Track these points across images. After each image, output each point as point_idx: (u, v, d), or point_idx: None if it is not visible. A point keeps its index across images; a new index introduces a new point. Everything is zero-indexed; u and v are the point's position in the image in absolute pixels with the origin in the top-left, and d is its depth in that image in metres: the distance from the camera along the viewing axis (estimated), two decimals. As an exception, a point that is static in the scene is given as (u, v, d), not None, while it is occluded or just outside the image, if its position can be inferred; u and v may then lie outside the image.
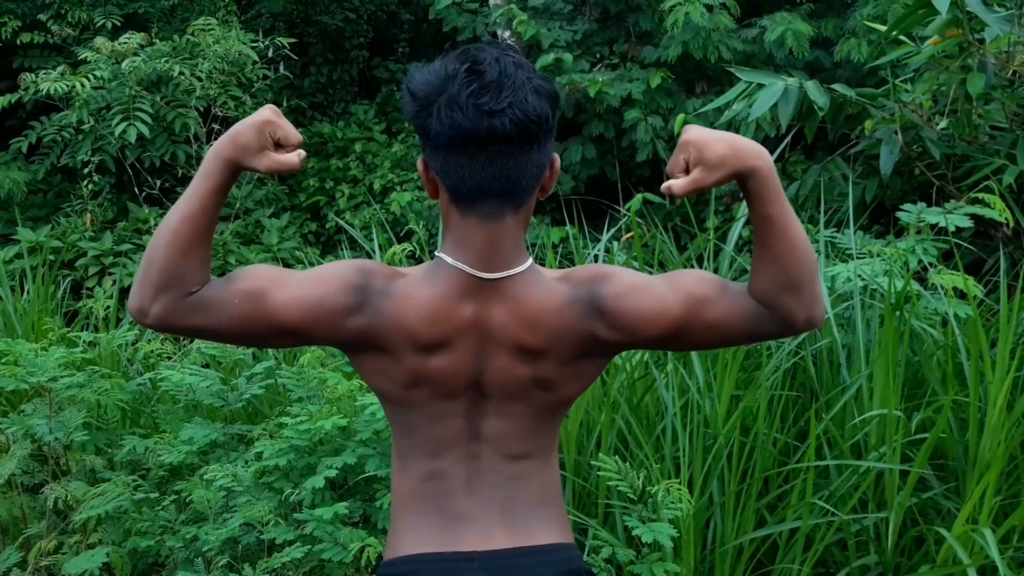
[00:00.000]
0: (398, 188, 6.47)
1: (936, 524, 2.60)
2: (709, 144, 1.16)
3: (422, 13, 7.60)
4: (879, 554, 2.58)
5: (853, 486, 2.59)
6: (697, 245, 3.59)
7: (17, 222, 5.70)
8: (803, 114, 3.90)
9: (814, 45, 6.28)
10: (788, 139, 4.12)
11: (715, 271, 3.18)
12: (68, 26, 6.39)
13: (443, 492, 1.25)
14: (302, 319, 1.19)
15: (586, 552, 2.40)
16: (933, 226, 3.35)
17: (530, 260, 1.22)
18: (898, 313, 2.82)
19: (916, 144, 3.91)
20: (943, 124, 3.78)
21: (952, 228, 3.28)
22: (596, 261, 3.52)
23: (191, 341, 3.49)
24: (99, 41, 5.74)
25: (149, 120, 5.58)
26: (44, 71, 5.69)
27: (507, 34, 6.54)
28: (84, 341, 3.25)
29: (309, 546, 2.36)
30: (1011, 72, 3.67)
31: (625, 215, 3.98)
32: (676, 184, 1.18)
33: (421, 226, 4.65)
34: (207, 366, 3.29)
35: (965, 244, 3.57)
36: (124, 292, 5.10)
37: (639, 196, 4.09)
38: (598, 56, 6.83)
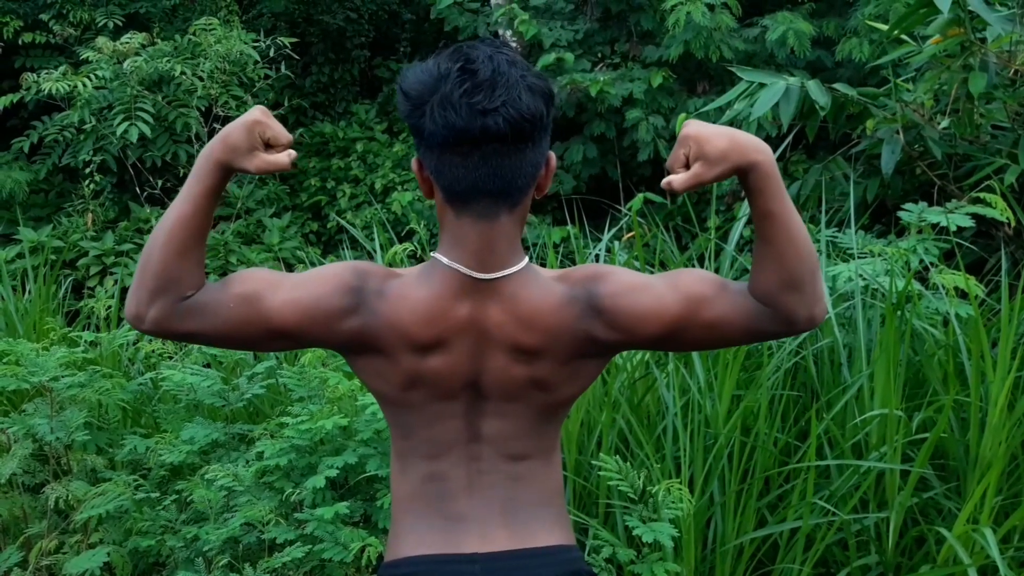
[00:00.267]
0: (399, 188, 6.48)
1: (937, 524, 2.59)
2: (710, 139, 1.15)
3: (423, 13, 7.61)
4: (880, 554, 2.58)
5: (854, 486, 2.59)
6: (698, 245, 3.59)
7: (19, 222, 5.71)
8: (804, 113, 3.90)
9: (815, 44, 6.28)
10: (789, 139, 4.12)
11: (716, 271, 3.18)
12: (70, 26, 6.40)
13: (443, 493, 1.24)
14: (297, 321, 1.19)
15: (587, 552, 2.40)
16: (934, 226, 3.35)
17: (526, 259, 1.21)
18: (899, 313, 2.81)
19: (917, 143, 3.91)
20: (945, 123, 3.77)
21: (953, 228, 3.28)
22: (597, 261, 3.52)
23: (192, 341, 3.49)
24: (101, 41, 5.75)
25: (151, 120, 5.58)
26: (46, 71, 5.70)
27: (508, 34, 6.54)
28: (85, 341, 3.26)
29: (310, 546, 2.37)
30: (1013, 71, 3.66)
31: (626, 215, 3.98)
32: (676, 179, 1.17)
33: (422, 226, 4.65)
34: (208, 366, 3.29)
35: (966, 244, 3.57)
36: (125, 292, 5.07)
37: (640, 196, 4.09)
38: (599, 56, 6.83)
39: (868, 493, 2.61)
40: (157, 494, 2.67)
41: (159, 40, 6.04)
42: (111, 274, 5.58)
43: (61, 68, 5.71)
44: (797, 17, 6.13)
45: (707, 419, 2.62)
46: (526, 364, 1.21)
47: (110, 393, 2.84)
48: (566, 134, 6.67)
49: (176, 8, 7.12)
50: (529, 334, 1.19)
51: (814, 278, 1.19)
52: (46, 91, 5.49)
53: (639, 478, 2.34)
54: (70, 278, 5.20)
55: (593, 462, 2.53)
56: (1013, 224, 3.47)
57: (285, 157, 1.20)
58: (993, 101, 3.84)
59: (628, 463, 2.42)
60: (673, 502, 2.31)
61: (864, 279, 3.02)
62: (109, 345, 3.24)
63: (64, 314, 4.44)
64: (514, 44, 6.73)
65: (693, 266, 3.41)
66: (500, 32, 6.66)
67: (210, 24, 5.90)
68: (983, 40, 3.58)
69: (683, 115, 4.69)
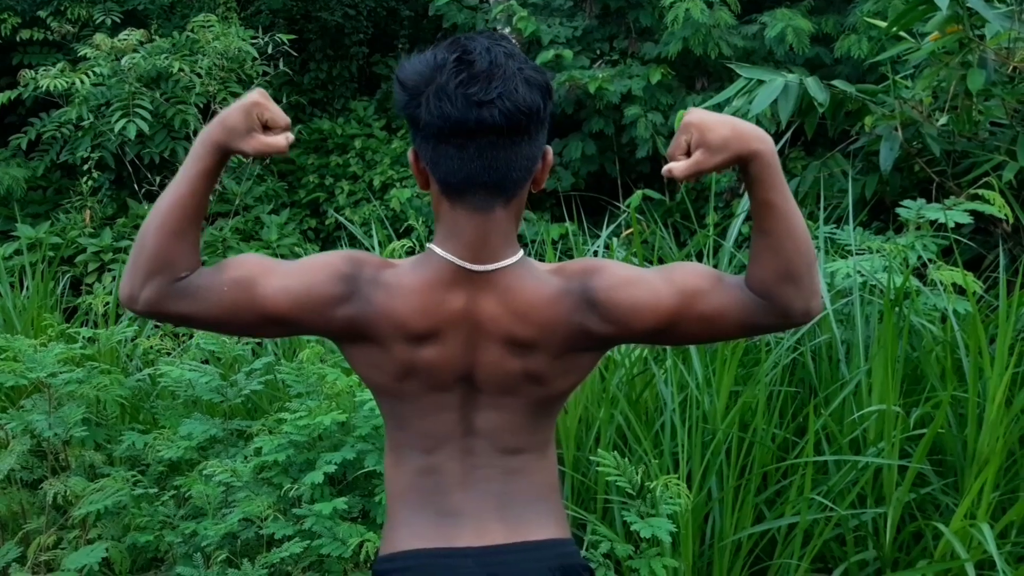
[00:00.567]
0: (398, 184, 6.47)
1: (934, 519, 2.60)
2: (711, 126, 1.14)
3: (422, 9, 7.60)
4: (877, 549, 2.59)
5: (851, 481, 2.59)
6: (697, 241, 3.59)
7: (17, 218, 5.70)
8: (803, 110, 3.90)
9: (814, 41, 6.28)
10: (788, 135, 4.11)
11: (715, 268, 3.18)
12: (67, 23, 6.38)
13: (438, 487, 1.24)
14: (290, 308, 1.18)
15: (585, 547, 2.40)
16: (933, 222, 3.35)
17: (521, 252, 1.21)
18: (897, 309, 2.81)
19: (916, 140, 3.91)
20: (943, 120, 3.77)
21: (952, 224, 3.28)
22: (596, 257, 3.53)
23: (190, 336, 3.49)
24: (99, 38, 5.74)
25: (149, 117, 5.57)
26: (44, 68, 5.69)
27: (507, 30, 6.54)
28: (83, 337, 3.26)
29: (308, 541, 2.37)
30: (1011, 68, 3.66)
31: (625, 211, 3.98)
32: (677, 167, 1.16)
33: (421, 222, 4.65)
34: (206, 362, 3.29)
35: (965, 240, 3.57)
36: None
37: (639, 192, 4.09)
38: (598, 52, 6.83)
39: (866, 489, 2.61)
40: (155, 490, 2.67)
41: (157, 37, 6.03)
42: (109, 271, 5.57)
43: (59, 65, 5.70)
44: (796, 14, 6.13)
45: (705, 415, 2.63)
46: (520, 357, 1.20)
47: (108, 389, 2.84)
48: (565, 131, 6.67)
49: (174, 5, 7.11)
50: (523, 327, 1.19)
51: (811, 271, 1.19)
52: (44, 88, 5.48)
53: (637, 474, 2.34)
54: (68, 275, 5.20)
55: (591, 458, 2.53)
56: (1011, 221, 3.47)
57: (283, 139, 1.19)
58: (991, 98, 3.84)
59: (626, 459, 2.42)
60: (671, 498, 2.31)
61: (862, 275, 3.03)
62: (107, 341, 3.24)
63: (62, 310, 4.44)
64: (513, 41, 6.73)
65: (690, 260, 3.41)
66: (498, 29, 6.65)
67: (208, 21, 5.89)
68: (981, 37, 3.58)
69: (682, 112, 4.68)
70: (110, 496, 2.55)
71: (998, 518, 2.54)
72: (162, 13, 7.01)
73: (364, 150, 6.97)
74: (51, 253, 5.10)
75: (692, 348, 2.70)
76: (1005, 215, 3.34)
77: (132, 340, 3.59)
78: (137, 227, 5.97)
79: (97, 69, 5.61)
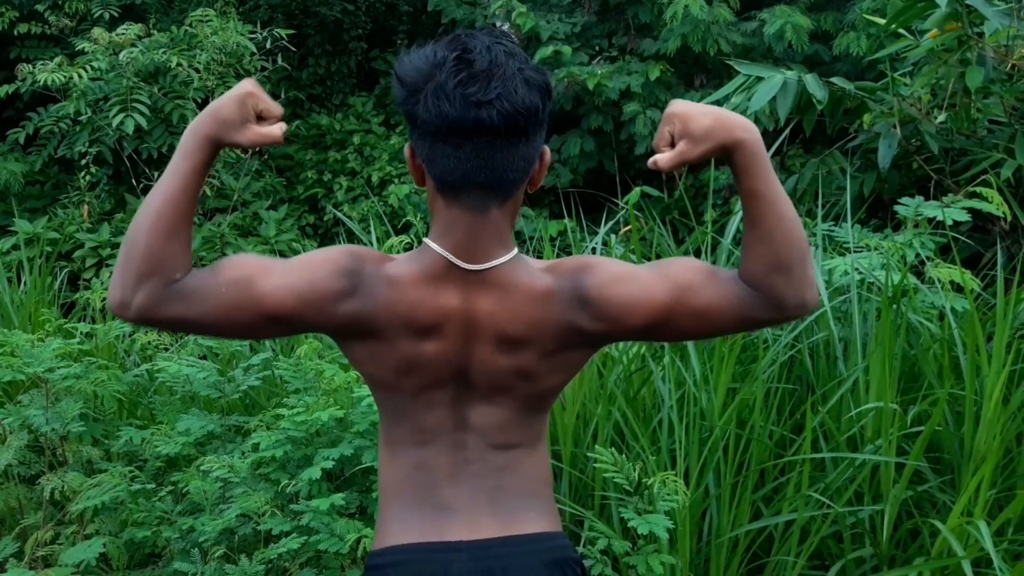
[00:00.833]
0: (396, 180, 6.47)
1: (931, 517, 2.60)
2: (694, 116, 1.14)
3: (421, 4, 7.59)
4: (874, 546, 2.59)
5: (849, 479, 2.59)
6: (695, 238, 3.59)
7: (14, 213, 5.70)
8: (802, 107, 3.90)
9: (813, 39, 6.28)
10: (787, 132, 4.11)
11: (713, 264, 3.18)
12: (65, 17, 6.37)
13: (430, 482, 1.24)
14: (293, 305, 1.16)
15: (582, 543, 2.41)
16: (931, 220, 3.35)
17: (515, 250, 1.20)
18: (895, 307, 2.82)
19: (914, 138, 3.91)
20: (942, 118, 3.77)
21: (950, 222, 3.28)
22: (594, 254, 3.52)
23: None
24: (96, 32, 5.73)
25: (147, 111, 5.57)
26: (41, 62, 5.68)
27: (506, 26, 6.53)
28: (81, 332, 3.25)
29: (305, 537, 2.37)
30: (1010, 66, 3.66)
31: (623, 208, 3.98)
32: (661, 158, 1.16)
33: (419, 218, 4.65)
34: (204, 357, 3.29)
35: (963, 238, 3.57)
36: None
37: (637, 189, 4.08)
38: (597, 49, 6.83)
39: (863, 486, 2.61)
40: (153, 485, 2.67)
41: (155, 31, 6.02)
42: (107, 266, 5.57)
43: (57, 59, 5.69)
44: (795, 11, 6.13)
45: (703, 412, 2.63)
46: (511, 354, 1.20)
47: (106, 384, 2.84)
48: (563, 127, 6.67)
49: (172, -1, 7.10)
50: (515, 324, 1.19)
51: (804, 261, 1.17)
52: (42, 82, 5.47)
53: (635, 470, 2.34)
54: (66, 270, 5.20)
55: (589, 454, 2.53)
56: (1009, 218, 3.47)
57: (277, 129, 1.17)
58: (990, 96, 3.84)
59: (624, 455, 2.42)
60: (668, 494, 2.31)
61: (860, 273, 3.03)
62: (105, 336, 3.24)
63: (60, 306, 4.44)
64: (513, 38, 6.73)
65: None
66: (497, 24, 6.65)
67: (207, 15, 5.88)
68: (980, 35, 3.58)
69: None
70: (107, 492, 2.55)
71: (995, 516, 2.55)
72: (160, 8, 6.99)
73: (363, 146, 6.97)
74: (49, 248, 5.09)
75: (690, 345, 2.70)
76: (1003, 213, 3.34)
77: (130, 336, 3.59)
78: (135, 222, 5.98)
79: (95, 63, 5.60)
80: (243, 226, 6.19)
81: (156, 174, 5.88)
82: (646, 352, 2.88)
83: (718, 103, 4.19)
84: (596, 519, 2.44)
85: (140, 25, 5.87)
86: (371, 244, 3.88)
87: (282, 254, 5.83)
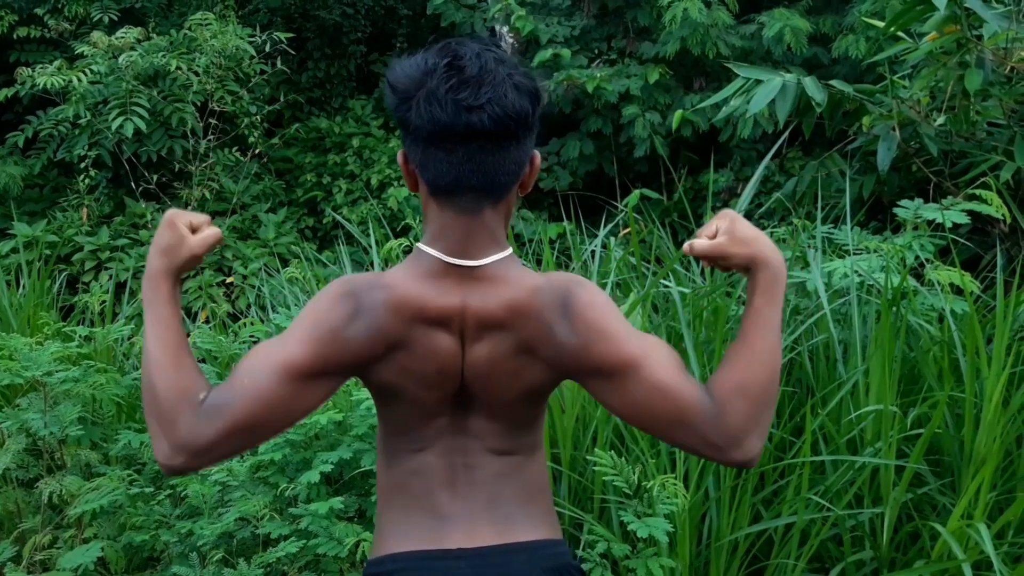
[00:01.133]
0: (395, 183, 6.47)
1: (931, 520, 2.60)
2: (744, 224, 1.23)
3: (420, 8, 7.60)
4: (874, 549, 2.59)
5: (849, 481, 2.59)
6: (694, 241, 3.58)
7: (13, 216, 5.70)
8: (801, 110, 3.90)
9: (812, 41, 6.29)
10: (786, 135, 4.12)
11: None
12: (65, 20, 6.38)
13: (428, 489, 1.25)
14: (311, 349, 1.15)
15: (581, 547, 2.40)
16: (930, 222, 3.35)
17: (509, 250, 1.22)
18: (894, 309, 2.82)
19: (914, 140, 3.91)
20: (941, 120, 3.78)
21: (949, 224, 3.28)
22: (593, 257, 3.53)
23: (187, 334, 3.48)
24: (96, 35, 5.73)
25: (146, 115, 5.57)
26: (41, 65, 5.68)
27: (505, 29, 6.54)
28: (79, 336, 3.25)
29: (304, 541, 2.36)
30: (1009, 68, 3.66)
31: (622, 211, 3.98)
32: (698, 243, 1.24)
33: (418, 221, 4.65)
34: (203, 361, 3.29)
35: (962, 240, 3.57)
36: (120, 287, 5.09)
37: (637, 192, 4.09)
38: (596, 52, 6.83)
39: (863, 489, 2.61)
40: (151, 489, 2.67)
41: (155, 35, 6.02)
42: (106, 269, 5.57)
43: (56, 63, 5.70)
44: (794, 14, 6.14)
45: (702, 415, 2.62)
46: (495, 340, 1.20)
47: (104, 388, 2.83)
48: (562, 130, 6.67)
49: (172, 2, 7.11)
50: (497, 305, 1.19)
51: (767, 404, 1.17)
52: (41, 86, 5.47)
53: (634, 473, 2.34)
54: (64, 273, 5.20)
55: (588, 457, 2.53)
56: (1008, 221, 3.47)
57: (215, 230, 1.24)
58: (989, 98, 3.84)
59: (623, 458, 2.42)
60: (668, 497, 2.31)
61: (860, 275, 3.02)
62: (103, 340, 3.24)
63: (58, 309, 4.44)
64: (511, 40, 6.74)
65: (688, 260, 3.42)
66: (497, 28, 6.66)
67: (206, 19, 5.89)
68: (979, 37, 3.59)
69: (679, 112, 4.69)
70: (106, 495, 2.54)
71: (995, 518, 2.54)
72: (160, 11, 7.00)
73: (362, 149, 6.98)
74: (48, 251, 5.10)
75: (690, 347, 2.69)
76: (1002, 215, 3.34)
77: (128, 339, 3.59)
78: (134, 225, 5.99)
79: (94, 67, 5.61)
80: (242, 229, 6.20)
81: (155, 177, 5.89)
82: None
83: (717, 106, 4.20)
84: (595, 522, 2.43)
85: (139, 29, 5.88)
86: (370, 247, 3.88)
87: (281, 256, 5.83)
